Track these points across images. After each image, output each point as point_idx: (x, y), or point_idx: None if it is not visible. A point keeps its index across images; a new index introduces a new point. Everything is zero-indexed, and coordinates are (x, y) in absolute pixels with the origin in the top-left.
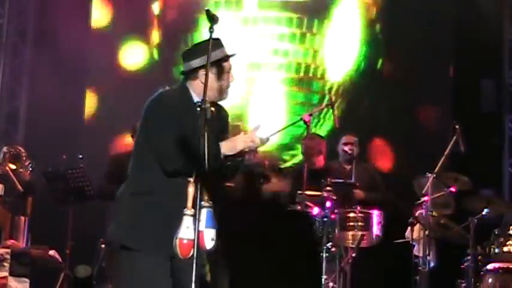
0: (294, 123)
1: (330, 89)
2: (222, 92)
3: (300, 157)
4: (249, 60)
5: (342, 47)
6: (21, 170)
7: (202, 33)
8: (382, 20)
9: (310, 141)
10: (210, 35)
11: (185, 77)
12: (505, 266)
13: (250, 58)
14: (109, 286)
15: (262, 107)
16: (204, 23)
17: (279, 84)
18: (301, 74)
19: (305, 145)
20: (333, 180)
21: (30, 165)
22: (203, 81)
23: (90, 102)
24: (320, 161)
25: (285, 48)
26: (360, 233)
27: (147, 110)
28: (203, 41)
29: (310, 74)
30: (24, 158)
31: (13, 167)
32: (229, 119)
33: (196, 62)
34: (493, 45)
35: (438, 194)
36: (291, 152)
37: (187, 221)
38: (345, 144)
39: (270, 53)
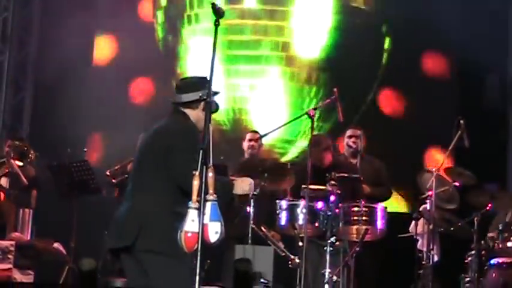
0: (298, 117)
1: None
2: None
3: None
4: (249, 54)
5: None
6: (28, 166)
7: None
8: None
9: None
10: (215, 29)
11: (182, 106)
12: (509, 261)
13: (251, 52)
14: (113, 279)
15: (263, 101)
16: None
17: (281, 78)
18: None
19: (312, 150)
20: (337, 175)
21: (34, 158)
22: (202, 111)
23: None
24: (328, 158)
25: (285, 41)
26: (364, 227)
27: (176, 139)
28: (197, 77)
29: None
30: (29, 153)
31: (19, 163)
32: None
33: (196, 95)
34: (498, 41)
35: (442, 189)
36: (295, 146)
37: (192, 214)
38: (350, 137)
39: (270, 47)
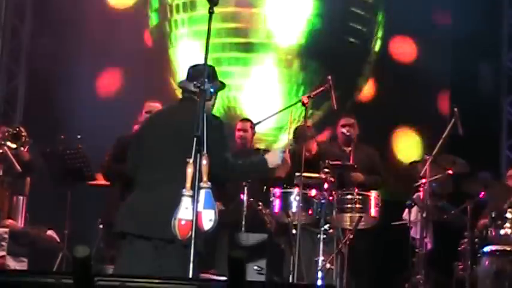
0: (292, 105)
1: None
2: None
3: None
4: (241, 41)
5: None
6: (21, 148)
7: None
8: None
9: (302, 135)
10: (210, 16)
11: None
12: (502, 249)
13: (244, 39)
14: (107, 266)
15: (257, 89)
16: None
17: (275, 65)
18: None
19: (300, 136)
20: (331, 162)
21: (28, 143)
22: (213, 103)
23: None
24: (314, 147)
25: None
26: (357, 215)
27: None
28: (209, 65)
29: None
30: (23, 136)
31: (13, 146)
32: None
33: (211, 86)
34: (492, 29)
35: (436, 177)
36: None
37: (186, 202)
38: (343, 125)
39: (265, 34)
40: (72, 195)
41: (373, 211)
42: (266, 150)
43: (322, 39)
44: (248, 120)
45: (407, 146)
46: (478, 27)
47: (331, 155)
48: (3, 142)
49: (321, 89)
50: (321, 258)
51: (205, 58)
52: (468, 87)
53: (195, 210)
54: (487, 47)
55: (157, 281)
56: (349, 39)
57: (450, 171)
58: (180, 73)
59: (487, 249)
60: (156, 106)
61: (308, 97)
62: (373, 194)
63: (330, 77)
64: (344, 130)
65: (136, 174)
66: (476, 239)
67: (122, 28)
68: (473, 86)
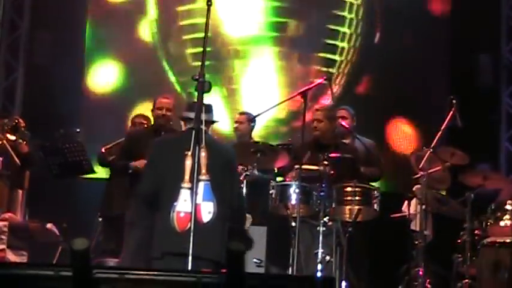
0: (291, 97)
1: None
2: None
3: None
4: (241, 34)
5: None
6: (20, 140)
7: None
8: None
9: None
10: (208, 8)
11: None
12: (501, 241)
13: (243, 32)
14: (107, 259)
15: (255, 81)
16: None
17: (273, 58)
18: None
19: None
20: (330, 155)
21: (27, 136)
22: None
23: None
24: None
25: (280, 21)
26: (356, 207)
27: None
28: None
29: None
30: (23, 128)
31: (12, 137)
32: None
33: (213, 116)
34: (491, 20)
35: (435, 169)
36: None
37: (184, 194)
38: (342, 117)
39: (263, 26)
40: (71, 188)
41: (372, 203)
42: (265, 144)
43: None
44: (245, 113)
45: (403, 137)
46: (477, 17)
47: (343, 148)
48: (1, 135)
49: (319, 81)
50: (321, 250)
51: (204, 49)
52: (467, 78)
53: (194, 203)
54: (487, 38)
55: (156, 273)
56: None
57: (449, 164)
58: (178, 67)
59: (486, 241)
60: (168, 102)
61: (307, 90)
62: (372, 187)
63: (328, 71)
64: (342, 122)
65: (156, 199)
66: (476, 231)
67: (120, 22)
68: (473, 78)
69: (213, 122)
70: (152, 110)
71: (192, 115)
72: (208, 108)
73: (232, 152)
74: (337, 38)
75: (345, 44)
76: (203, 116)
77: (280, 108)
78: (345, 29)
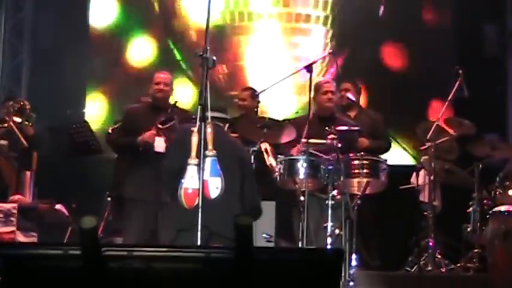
0: (296, 72)
1: (332, 37)
2: None
3: (302, 105)
4: (246, 10)
5: None
6: (26, 122)
7: None
8: None
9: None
10: None
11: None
12: (510, 209)
13: (248, 7)
14: (116, 239)
15: (260, 57)
16: None
17: (277, 33)
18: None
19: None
20: (337, 128)
21: (33, 118)
22: None
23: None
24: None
25: None
26: (365, 179)
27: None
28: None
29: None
30: (28, 110)
31: (18, 120)
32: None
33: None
34: None
35: (442, 139)
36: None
37: (191, 171)
38: (346, 90)
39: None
40: (79, 168)
41: (380, 175)
42: (271, 119)
43: None
44: (249, 88)
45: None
46: None
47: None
48: (8, 117)
49: (324, 55)
50: (330, 224)
51: (207, 26)
52: (473, 49)
53: (201, 179)
54: (492, 8)
55: (165, 249)
56: None
57: (456, 133)
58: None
59: (495, 210)
60: (166, 77)
61: (312, 63)
62: (380, 159)
63: (333, 45)
64: (347, 95)
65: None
66: (485, 200)
67: None
68: (479, 48)
69: (227, 120)
70: (150, 87)
71: (216, 114)
72: (222, 109)
73: (245, 151)
74: None
75: None
76: (208, 99)
77: (285, 83)
78: None
